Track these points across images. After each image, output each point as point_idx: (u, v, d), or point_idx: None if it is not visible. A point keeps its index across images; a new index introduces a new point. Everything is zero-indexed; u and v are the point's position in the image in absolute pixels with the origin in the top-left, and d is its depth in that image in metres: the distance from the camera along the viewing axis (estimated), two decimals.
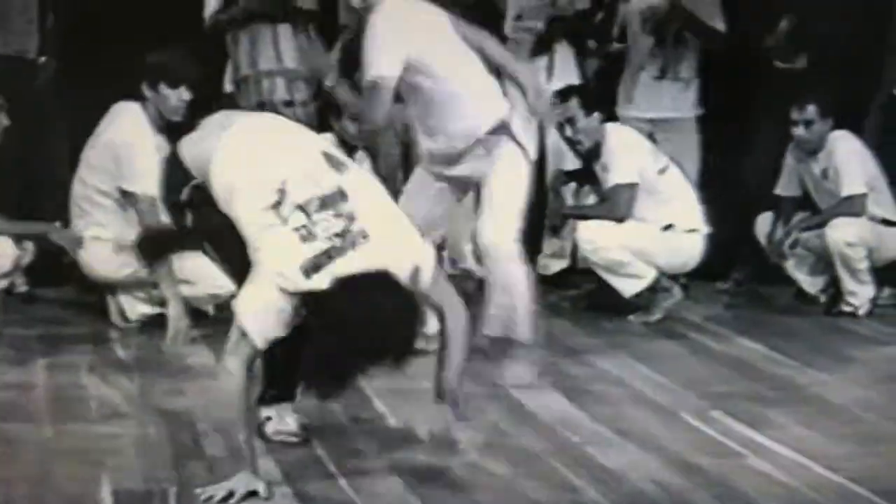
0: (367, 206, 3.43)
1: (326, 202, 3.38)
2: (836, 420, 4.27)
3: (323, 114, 5.95)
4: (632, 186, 5.67)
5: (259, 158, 3.50)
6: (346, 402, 4.11)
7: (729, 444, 4.00)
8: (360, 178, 3.59)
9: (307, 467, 3.70)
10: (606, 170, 5.74)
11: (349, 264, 3.31)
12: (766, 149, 6.17)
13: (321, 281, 3.28)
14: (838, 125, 5.92)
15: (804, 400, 4.51)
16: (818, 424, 4.20)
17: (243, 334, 3.35)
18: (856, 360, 5.15)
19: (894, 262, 5.96)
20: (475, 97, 4.51)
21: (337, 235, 3.34)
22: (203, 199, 3.56)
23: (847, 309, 5.84)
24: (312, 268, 3.30)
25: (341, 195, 3.41)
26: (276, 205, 3.38)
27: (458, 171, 4.62)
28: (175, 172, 3.68)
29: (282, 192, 3.38)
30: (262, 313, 3.33)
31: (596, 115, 5.72)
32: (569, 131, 5.76)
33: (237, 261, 3.51)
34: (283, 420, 3.88)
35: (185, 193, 3.62)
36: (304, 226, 3.35)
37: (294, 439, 3.87)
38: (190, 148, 3.67)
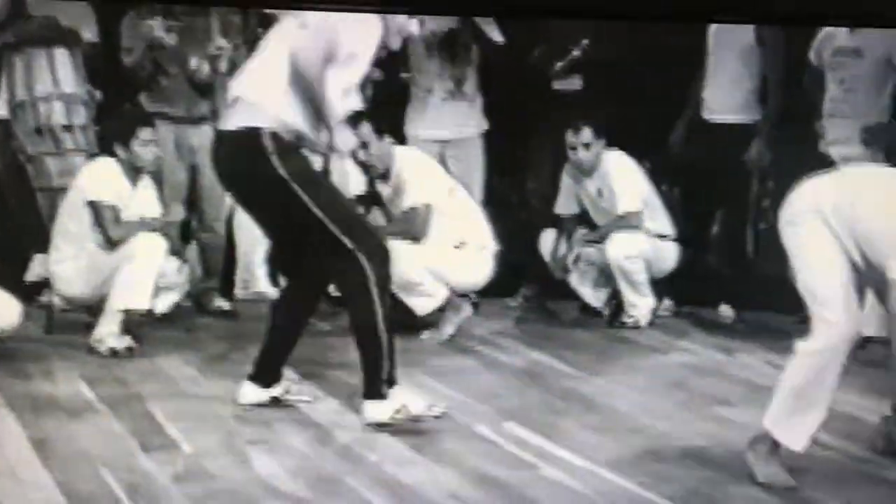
0: None
1: None
2: (623, 427, 4.42)
3: (104, 138, 5.83)
4: (427, 207, 5.76)
5: None
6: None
7: (523, 455, 4.10)
8: None
9: None
10: (400, 192, 5.80)
11: None
12: (548, 168, 6.33)
13: None
14: (623, 147, 6.12)
15: (592, 409, 4.65)
16: (606, 432, 4.34)
17: None
18: (638, 369, 5.33)
19: (671, 274, 6.20)
20: None
21: None
22: None
23: (629, 320, 6.04)
24: None
25: None
26: None
27: None
28: None
29: None
30: None
31: (387, 138, 5.78)
32: (361, 155, 5.80)
33: None
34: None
35: None
36: None
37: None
38: None
